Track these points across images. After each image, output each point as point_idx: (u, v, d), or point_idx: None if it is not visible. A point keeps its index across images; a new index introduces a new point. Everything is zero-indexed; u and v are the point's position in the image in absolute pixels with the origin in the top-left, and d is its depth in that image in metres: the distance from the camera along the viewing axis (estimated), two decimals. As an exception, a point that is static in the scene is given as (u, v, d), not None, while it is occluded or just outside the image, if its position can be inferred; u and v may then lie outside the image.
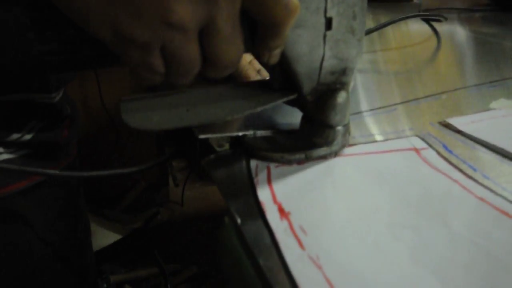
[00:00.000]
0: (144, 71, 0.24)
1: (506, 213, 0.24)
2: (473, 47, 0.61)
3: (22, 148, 0.40)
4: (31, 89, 0.39)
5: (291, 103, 0.31)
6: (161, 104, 0.28)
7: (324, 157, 0.30)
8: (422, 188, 0.27)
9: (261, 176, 0.28)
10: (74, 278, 0.48)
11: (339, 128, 0.29)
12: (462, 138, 0.33)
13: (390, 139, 0.32)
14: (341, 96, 0.29)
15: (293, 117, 0.34)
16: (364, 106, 0.39)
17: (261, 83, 0.32)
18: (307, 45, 0.27)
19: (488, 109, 0.38)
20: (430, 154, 0.30)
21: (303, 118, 0.32)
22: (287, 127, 0.34)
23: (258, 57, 0.27)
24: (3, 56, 0.24)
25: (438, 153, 0.30)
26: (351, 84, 0.30)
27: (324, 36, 0.27)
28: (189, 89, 0.30)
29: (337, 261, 0.21)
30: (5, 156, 0.38)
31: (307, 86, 0.29)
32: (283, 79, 0.30)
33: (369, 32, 0.58)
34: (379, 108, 0.38)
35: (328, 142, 0.30)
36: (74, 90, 1.09)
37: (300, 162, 0.29)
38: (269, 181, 0.27)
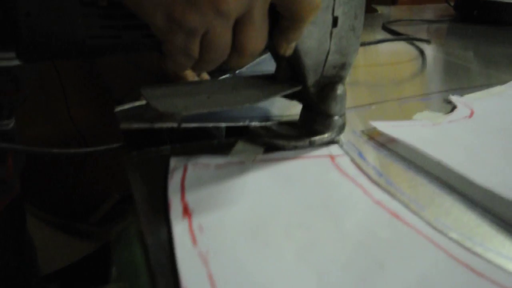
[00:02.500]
0: (182, 57, 0.26)
1: (397, 216, 0.26)
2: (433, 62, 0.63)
3: None
4: None
5: (290, 96, 0.35)
6: (183, 92, 0.31)
7: (325, 143, 0.34)
8: (326, 192, 0.28)
9: (176, 175, 0.29)
10: None
11: (337, 117, 0.34)
12: (377, 145, 0.35)
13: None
14: (340, 89, 0.33)
15: (287, 110, 0.38)
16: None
17: (267, 76, 0.35)
18: (316, 40, 0.31)
19: (411, 120, 0.40)
20: (344, 160, 0.32)
21: (303, 108, 0.36)
22: (284, 119, 0.37)
23: (275, 48, 0.29)
24: (48, 36, 0.24)
25: (352, 159, 0.32)
26: (347, 78, 0.34)
27: (331, 33, 0.31)
28: (204, 80, 0.34)
29: (225, 258, 0.22)
30: None
31: (312, 78, 0.33)
32: (289, 72, 0.33)
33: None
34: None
35: (328, 129, 0.34)
36: (38, 103, 1.08)
37: (219, 165, 0.31)
38: (182, 180, 0.28)
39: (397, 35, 0.84)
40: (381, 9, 1.24)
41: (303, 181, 0.29)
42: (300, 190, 0.28)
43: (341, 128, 0.34)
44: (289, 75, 0.34)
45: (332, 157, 0.32)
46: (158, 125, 0.33)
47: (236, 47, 0.27)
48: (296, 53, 0.31)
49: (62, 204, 1.12)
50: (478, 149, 0.34)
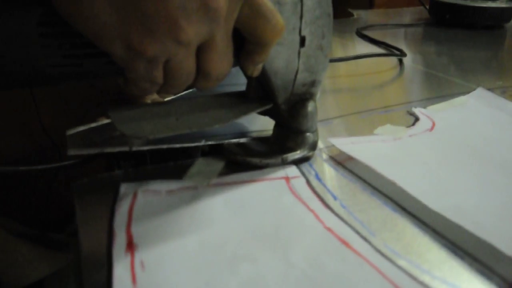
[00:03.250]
0: (145, 83, 0.26)
1: (346, 243, 0.25)
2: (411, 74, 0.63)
3: None
4: None
5: (263, 112, 0.35)
6: (151, 114, 0.30)
7: (298, 161, 0.34)
8: (277, 220, 0.27)
9: (124, 203, 0.28)
10: None
11: (309, 133, 0.34)
12: (335, 164, 0.34)
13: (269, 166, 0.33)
14: (311, 105, 0.34)
15: (262, 125, 0.38)
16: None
17: (238, 94, 0.35)
18: (284, 60, 0.31)
19: (372, 134, 0.40)
20: (299, 182, 0.31)
21: (276, 125, 0.36)
22: (258, 134, 0.38)
23: (242, 69, 0.30)
24: (7, 66, 0.24)
25: (308, 181, 0.32)
26: (318, 94, 0.35)
27: (299, 52, 0.31)
28: (173, 100, 0.33)
29: (165, 297, 0.21)
30: None
31: (282, 96, 0.33)
32: (259, 90, 0.33)
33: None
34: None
35: (300, 146, 0.34)
36: (8, 112, 1.05)
37: (171, 191, 0.30)
38: (130, 209, 0.28)
39: (370, 41, 0.85)
40: (358, 13, 1.25)
41: (255, 208, 0.28)
42: (251, 218, 0.27)
43: (314, 145, 0.35)
44: (260, 93, 0.34)
45: (287, 179, 0.32)
46: (108, 149, 0.32)
47: (201, 72, 0.27)
48: (264, 73, 0.31)
49: (36, 215, 1.10)
50: (434, 167, 0.34)
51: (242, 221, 0.27)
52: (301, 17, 0.30)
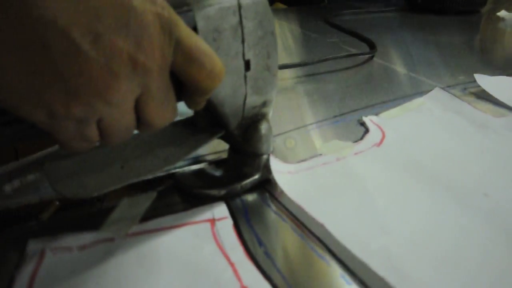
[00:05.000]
0: (78, 142, 0.23)
1: (261, 307, 0.23)
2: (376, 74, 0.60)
3: None
4: None
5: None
6: (92, 165, 0.28)
7: (253, 185, 0.32)
8: (193, 278, 0.25)
9: (28, 266, 0.26)
10: None
11: (266, 156, 0.33)
12: (270, 197, 0.32)
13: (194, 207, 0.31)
14: (264, 127, 0.32)
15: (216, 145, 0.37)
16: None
17: (186, 123, 0.33)
18: (230, 88, 0.29)
19: (315, 155, 0.37)
20: (225, 226, 0.29)
21: (231, 149, 0.35)
22: (214, 158, 0.37)
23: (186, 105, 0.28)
24: None
25: (236, 223, 0.29)
26: (271, 113, 0.33)
27: (245, 77, 0.30)
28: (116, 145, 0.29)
29: None
30: None
31: (233, 123, 0.32)
32: (208, 117, 0.32)
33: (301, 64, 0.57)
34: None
35: (258, 170, 0.33)
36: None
37: (83, 246, 0.28)
38: (34, 273, 0.25)
39: (339, 29, 0.81)
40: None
41: (172, 264, 0.26)
42: (164, 278, 0.25)
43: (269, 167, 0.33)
44: (209, 120, 0.32)
45: (212, 222, 0.29)
46: (17, 201, 0.29)
47: (142, 123, 0.24)
48: (211, 104, 0.29)
49: None
50: (374, 194, 0.31)
51: (155, 280, 0.25)
52: (243, 41, 0.29)
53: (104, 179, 0.27)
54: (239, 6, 0.27)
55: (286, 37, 0.81)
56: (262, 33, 0.29)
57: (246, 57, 0.29)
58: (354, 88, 0.53)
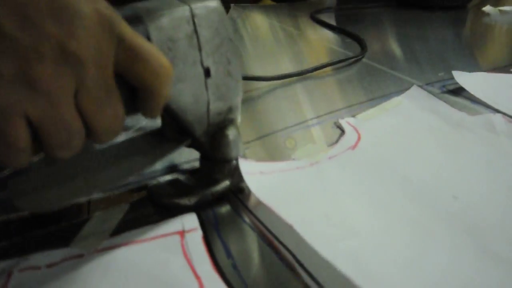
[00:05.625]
0: (4, 148, 0.21)
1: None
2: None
3: None
4: None
5: (186, 145, 0.33)
6: (53, 178, 0.27)
7: (225, 191, 0.33)
8: (159, 293, 0.25)
9: (-4, 288, 0.26)
10: None
11: (236, 161, 0.33)
12: (241, 205, 0.32)
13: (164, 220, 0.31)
14: (232, 133, 0.32)
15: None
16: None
17: (153, 133, 0.32)
18: (192, 95, 0.29)
19: (289, 159, 0.37)
20: (194, 238, 0.29)
21: (201, 157, 0.34)
22: (188, 167, 0.37)
23: (142, 115, 0.27)
24: None
25: (206, 235, 0.29)
26: (239, 118, 0.33)
27: (206, 84, 0.30)
28: (80, 155, 0.28)
29: None
30: None
31: (198, 130, 0.31)
32: (174, 126, 0.31)
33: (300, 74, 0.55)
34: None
35: (228, 176, 0.33)
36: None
37: (52, 264, 0.28)
38: (0, 294, 0.25)
39: (325, 26, 0.81)
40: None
41: (138, 280, 0.26)
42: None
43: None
44: (176, 128, 0.32)
45: (182, 235, 0.29)
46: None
47: (87, 126, 0.23)
48: (173, 112, 0.29)
49: None
50: (344, 201, 0.32)
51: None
52: (200, 49, 0.29)
53: (66, 192, 0.26)
54: (193, 15, 0.27)
55: (275, 37, 0.80)
56: (219, 40, 0.29)
57: (205, 65, 0.29)
58: (334, 89, 0.53)
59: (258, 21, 0.89)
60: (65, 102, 0.21)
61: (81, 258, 0.28)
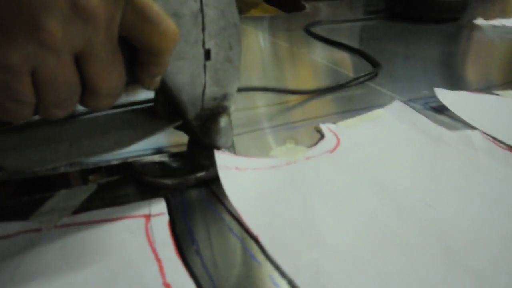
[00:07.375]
0: (9, 102, 0.21)
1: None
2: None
3: None
4: None
5: (176, 127, 0.32)
6: (39, 139, 0.26)
7: (209, 178, 0.32)
8: (115, 272, 0.24)
9: None
10: None
11: (224, 150, 0.33)
12: (211, 197, 0.31)
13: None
14: (224, 121, 0.32)
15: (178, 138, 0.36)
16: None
17: (145, 110, 0.32)
18: (189, 75, 0.29)
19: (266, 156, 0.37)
20: (160, 222, 0.28)
21: (189, 141, 0.34)
22: (175, 151, 0.36)
23: (139, 83, 0.26)
24: None
25: (172, 220, 0.28)
26: (232, 107, 0.33)
27: (204, 66, 0.29)
28: (70, 120, 0.28)
29: None
30: None
31: (191, 112, 0.31)
32: (167, 106, 0.31)
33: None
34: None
35: (214, 164, 0.31)
36: None
37: (6, 236, 0.26)
38: None
39: (320, 39, 0.81)
40: (311, 6, 1.21)
41: (95, 256, 0.25)
42: (83, 272, 0.24)
43: None
44: (168, 109, 0.31)
45: (148, 218, 0.28)
46: None
47: (86, 86, 0.23)
48: (168, 89, 0.29)
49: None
50: (315, 203, 0.31)
51: (73, 274, 0.24)
52: (203, 29, 0.28)
53: (49, 154, 0.25)
54: None
55: (270, 53, 0.80)
56: (224, 24, 0.29)
57: (207, 46, 0.29)
58: (315, 98, 0.53)
59: (248, 33, 0.90)
60: (70, 61, 0.21)
61: (38, 233, 0.27)
